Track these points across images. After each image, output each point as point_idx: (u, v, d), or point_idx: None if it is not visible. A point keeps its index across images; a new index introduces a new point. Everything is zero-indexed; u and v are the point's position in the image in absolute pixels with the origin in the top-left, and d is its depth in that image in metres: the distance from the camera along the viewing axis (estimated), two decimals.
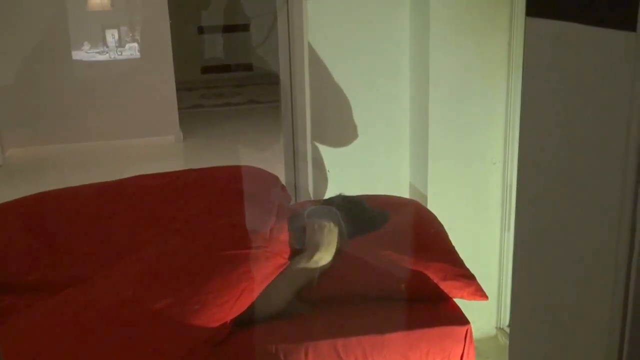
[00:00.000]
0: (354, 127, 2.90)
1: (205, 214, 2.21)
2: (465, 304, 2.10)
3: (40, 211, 2.28)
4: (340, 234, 2.18)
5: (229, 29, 8.60)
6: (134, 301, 1.78)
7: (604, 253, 0.93)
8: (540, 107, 1.09)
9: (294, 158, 3.04)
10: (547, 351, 1.16)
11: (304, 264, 2.00)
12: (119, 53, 6.24)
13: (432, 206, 2.71)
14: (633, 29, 0.81)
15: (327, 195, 2.85)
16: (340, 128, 2.91)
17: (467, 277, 2.07)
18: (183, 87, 7.33)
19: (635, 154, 0.82)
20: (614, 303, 0.89)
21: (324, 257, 2.02)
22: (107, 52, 6.22)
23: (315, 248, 2.03)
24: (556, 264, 1.10)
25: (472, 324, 2.01)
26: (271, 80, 7.44)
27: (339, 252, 2.08)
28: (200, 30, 8.72)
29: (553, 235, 1.11)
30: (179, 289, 1.82)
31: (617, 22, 0.85)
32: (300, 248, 2.12)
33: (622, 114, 0.85)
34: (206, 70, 8.82)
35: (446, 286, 2.04)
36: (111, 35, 6.23)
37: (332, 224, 2.08)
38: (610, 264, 0.91)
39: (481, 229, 2.90)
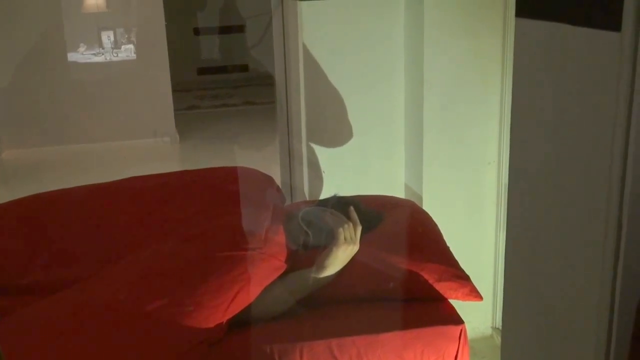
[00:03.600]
0: (349, 128, 2.90)
1: (200, 215, 2.21)
2: (461, 304, 2.10)
3: (36, 213, 2.28)
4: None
5: (224, 30, 8.59)
6: (129, 302, 1.79)
7: (592, 254, 0.94)
8: (530, 106, 1.10)
9: (289, 159, 3.05)
10: (538, 350, 1.16)
11: (314, 274, 2.00)
12: (115, 55, 6.24)
13: (427, 206, 2.72)
14: (617, 29, 0.82)
15: (322, 196, 2.86)
16: (335, 128, 2.92)
17: (461, 278, 2.08)
18: (179, 89, 7.33)
19: (621, 152, 0.83)
20: (602, 303, 0.90)
21: (330, 273, 2.02)
22: (102, 54, 6.22)
23: (325, 268, 2.01)
24: (547, 264, 1.11)
25: (467, 324, 2.01)
26: (267, 82, 7.44)
27: None
28: (196, 31, 8.71)
29: (543, 237, 1.11)
30: (174, 290, 1.82)
31: (602, 22, 0.86)
32: (297, 249, 2.12)
33: (610, 113, 0.85)
34: (202, 71, 8.82)
35: (441, 287, 2.04)
36: (107, 37, 6.23)
37: (353, 247, 2.03)
38: (598, 264, 0.91)
39: (476, 229, 2.90)
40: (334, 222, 2.03)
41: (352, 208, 2.07)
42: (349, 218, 2.07)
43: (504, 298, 1.32)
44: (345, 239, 2.00)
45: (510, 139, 1.19)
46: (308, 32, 2.77)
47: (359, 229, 2.04)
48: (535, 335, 1.16)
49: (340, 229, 2.00)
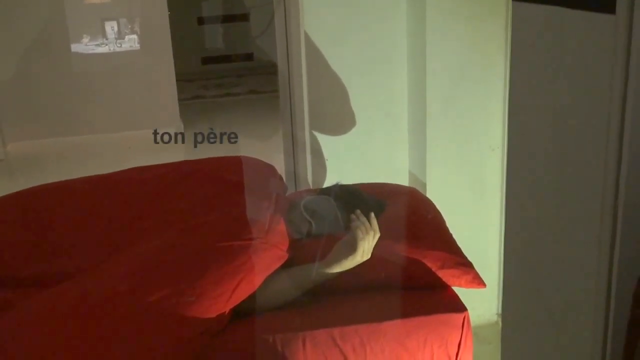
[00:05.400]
0: (352, 115, 2.89)
1: (202, 205, 2.20)
2: (466, 291, 2.10)
3: (37, 204, 2.28)
4: (337, 224, 2.17)
5: (228, 19, 8.57)
6: (130, 293, 1.78)
7: (590, 241, 0.93)
8: (528, 89, 1.09)
9: (292, 147, 3.04)
10: (538, 337, 1.16)
11: (320, 269, 1.96)
12: (119, 45, 6.22)
13: (431, 194, 2.71)
14: (612, 11, 0.81)
15: (325, 184, 2.85)
16: (338, 116, 2.91)
17: (464, 265, 2.07)
18: (183, 78, 7.32)
19: (617, 133, 0.82)
20: (599, 289, 0.89)
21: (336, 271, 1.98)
22: (106, 45, 6.21)
23: (333, 270, 1.96)
24: (545, 253, 1.10)
25: (473, 311, 2.00)
26: (271, 70, 7.41)
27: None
28: (200, 20, 8.69)
29: (542, 225, 1.10)
30: (175, 281, 1.82)
31: (598, 5, 0.85)
32: (300, 238, 2.12)
33: (605, 94, 0.84)
34: (206, 60, 8.80)
35: (444, 274, 2.04)
36: (110, 28, 6.22)
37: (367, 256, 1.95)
38: (595, 251, 0.90)
39: (481, 216, 2.89)
40: (357, 228, 1.92)
41: (372, 215, 1.95)
42: (368, 218, 1.95)
43: (503, 285, 1.31)
44: (363, 251, 1.92)
45: (509, 123, 1.18)
46: (310, 20, 2.76)
47: (377, 237, 1.95)
48: (535, 323, 1.16)
49: (363, 242, 1.91)
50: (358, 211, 1.95)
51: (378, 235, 1.94)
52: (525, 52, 1.09)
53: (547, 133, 1.05)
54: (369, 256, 1.94)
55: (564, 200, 1.03)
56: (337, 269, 1.94)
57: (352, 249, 1.91)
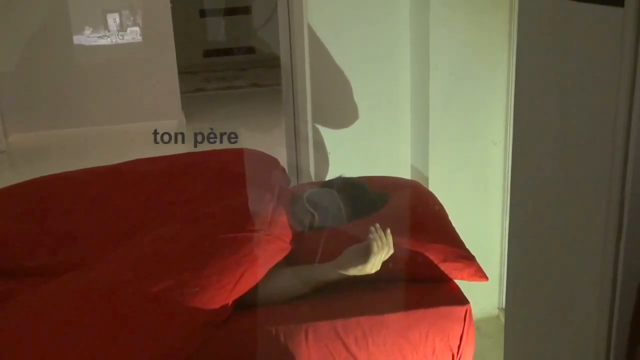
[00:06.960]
0: (355, 109, 2.89)
1: (205, 197, 2.21)
2: (468, 284, 2.10)
3: (41, 196, 2.29)
4: (340, 217, 2.18)
5: (230, 11, 8.55)
6: (134, 285, 1.79)
7: (594, 235, 0.93)
8: (533, 84, 1.09)
9: (295, 140, 3.04)
10: (541, 331, 1.16)
11: (326, 270, 1.95)
12: (121, 37, 6.21)
13: (434, 187, 2.71)
14: (621, 4, 0.81)
15: (328, 177, 2.86)
16: (341, 109, 2.90)
17: (467, 258, 2.08)
18: (185, 71, 7.30)
19: (624, 128, 0.82)
20: (603, 284, 0.89)
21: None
22: (108, 37, 6.20)
23: (336, 276, 1.94)
24: (549, 246, 1.10)
25: (474, 304, 2.01)
26: (273, 63, 7.39)
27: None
28: (202, 13, 8.67)
29: (546, 219, 1.11)
30: (179, 272, 1.83)
31: None
32: (302, 230, 2.12)
33: (613, 89, 0.84)
34: (208, 53, 8.78)
35: (446, 267, 2.04)
36: (112, 19, 6.20)
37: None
38: (599, 245, 0.91)
39: (483, 209, 2.89)
40: (374, 241, 1.89)
41: (389, 231, 1.92)
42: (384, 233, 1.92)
43: (507, 280, 1.32)
44: (373, 264, 1.90)
45: (514, 118, 1.18)
46: (313, 13, 2.75)
47: (390, 254, 1.93)
48: (539, 316, 1.16)
49: (376, 256, 1.88)
50: (377, 224, 1.93)
51: (391, 252, 1.93)
52: (531, 45, 1.09)
53: (553, 127, 1.05)
54: (378, 269, 1.93)
55: (569, 194, 1.03)
56: (343, 272, 1.93)
57: (363, 260, 1.90)
